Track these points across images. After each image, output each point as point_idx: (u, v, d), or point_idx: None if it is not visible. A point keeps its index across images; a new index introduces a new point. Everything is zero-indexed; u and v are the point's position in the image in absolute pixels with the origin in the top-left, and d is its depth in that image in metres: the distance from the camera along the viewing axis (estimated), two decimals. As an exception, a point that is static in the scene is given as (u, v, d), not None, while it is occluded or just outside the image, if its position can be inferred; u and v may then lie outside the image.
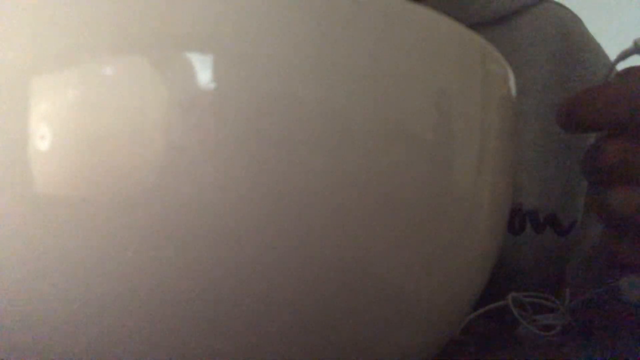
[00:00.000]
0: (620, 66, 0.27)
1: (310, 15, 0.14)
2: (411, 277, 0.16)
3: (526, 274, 0.44)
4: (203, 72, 0.13)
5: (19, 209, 0.13)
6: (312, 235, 0.14)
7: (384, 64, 0.14)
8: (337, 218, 0.14)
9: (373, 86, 0.14)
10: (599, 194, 0.25)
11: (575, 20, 0.49)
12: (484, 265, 0.19)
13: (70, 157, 0.13)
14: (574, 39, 0.47)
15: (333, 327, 0.15)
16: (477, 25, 0.45)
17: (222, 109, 0.13)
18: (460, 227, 0.17)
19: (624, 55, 0.26)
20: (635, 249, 0.25)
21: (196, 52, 0.13)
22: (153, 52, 0.13)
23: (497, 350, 0.29)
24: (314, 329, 0.15)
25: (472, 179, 0.17)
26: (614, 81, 0.26)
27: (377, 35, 0.14)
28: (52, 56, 0.13)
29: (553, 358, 0.27)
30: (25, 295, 0.14)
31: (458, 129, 0.16)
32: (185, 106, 0.13)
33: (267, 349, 0.14)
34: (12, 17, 0.14)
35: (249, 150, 0.13)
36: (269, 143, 0.13)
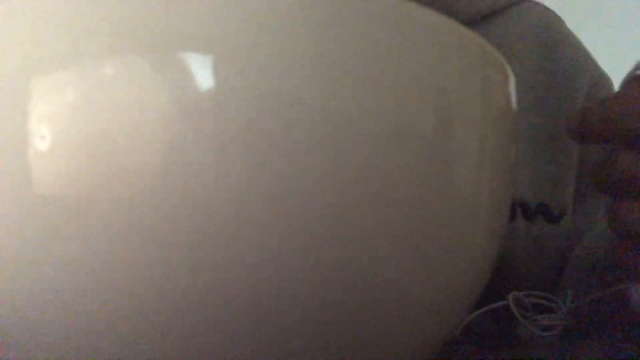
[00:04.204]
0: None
1: (310, 15, 0.14)
2: (411, 277, 0.16)
3: (519, 266, 0.44)
4: (203, 72, 0.13)
5: (19, 209, 0.13)
6: (311, 235, 0.14)
7: (384, 64, 0.14)
8: (336, 218, 0.14)
9: (373, 86, 0.14)
10: (612, 206, 0.25)
11: (557, 18, 0.51)
12: (484, 265, 0.19)
13: (70, 157, 0.13)
14: (555, 35, 0.49)
15: (333, 327, 0.15)
16: (462, 23, 0.45)
17: (222, 109, 0.13)
18: (460, 227, 0.17)
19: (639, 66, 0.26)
20: None
21: (196, 52, 0.13)
22: (153, 52, 0.13)
23: (497, 350, 0.29)
24: (314, 329, 0.15)
25: (472, 179, 0.17)
26: (626, 91, 0.25)
27: (378, 36, 0.14)
28: (52, 56, 0.13)
29: (553, 358, 0.27)
30: (25, 295, 0.14)
31: (458, 129, 0.16)
32: (185, 106, 0.13)
33: (267, 349, 0.14)
34: (13, 18, 0.14)
35: (248, 150, 0.13)
36: (269, 143, 0.13)
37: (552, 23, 0.50)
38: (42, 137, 0.13)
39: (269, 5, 0.13)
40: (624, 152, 0.24)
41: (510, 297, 0.34)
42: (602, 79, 0.49)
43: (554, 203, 0.45)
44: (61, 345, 0.14)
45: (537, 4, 0.51)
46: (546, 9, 0.51)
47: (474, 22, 0.47)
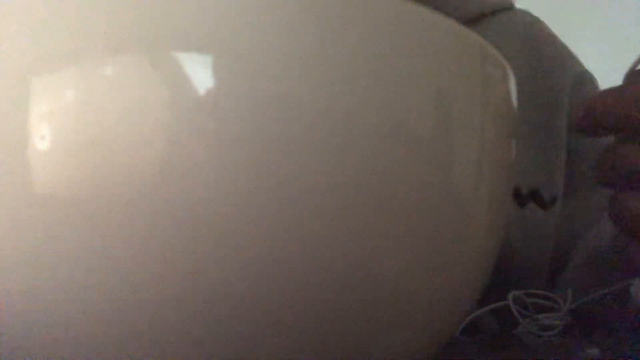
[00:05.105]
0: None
1: (310, 16, 0.14)
2: (411, 277, 0.16)
3: (512, 252, 0.45)
4: (203, 72, 0.13)
5: (19, 209, 0.13)
6: (312, 235, 0.14)
7: (383, 64, 0.14)
8: (336, 218, 0.14)
9: (373, 86, 0.14)
10: (615, 199, 0.25)
11: (542, 23, 0.54)
12: (484, 264, 0.19)
13: (70, 157, 0.13)
14: (540, 37, 0.52)
15: (333, 327, 0.15)
16: None
17: (222, 109, 0.13)
18: (460, 227, 0.17)
19: None
20: None
21: (196, 52, 0.13)
22: (153, 52, 0.13)
23: (497, 350, 0.29)
24: (314, 329, 0.15)
25: (471, 178, 0.17)
26: (631, 83, 0.25)
27: (377, 35, 0.14)
28: (52, 56, 0.13)
29: (553, 358, 0.27)
30: (25, 295, 0.14)
31: (458, 128, 0.16)
32: (185, 106, 0.13)
33: (267, 349, 0.14)
34: (12, 17, 0.14)
35: (249, 150, 0.13)
36: (269, 143, 0.13)
37: (536, 27, 0.53)
38: (42, 137, 0.13)
39: (269, 5, 0.14)
40: (628, 142, 0.24)
41: (510, 296, 0.34)
42: (585, 75, 0.52)
43: (544, 190, 0.46)
44: (61, 345, 0.14)
45: (522, 10, 0.54)
46: (530, 15, 0.54)
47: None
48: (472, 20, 0.51)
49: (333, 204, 0.14)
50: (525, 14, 0.54)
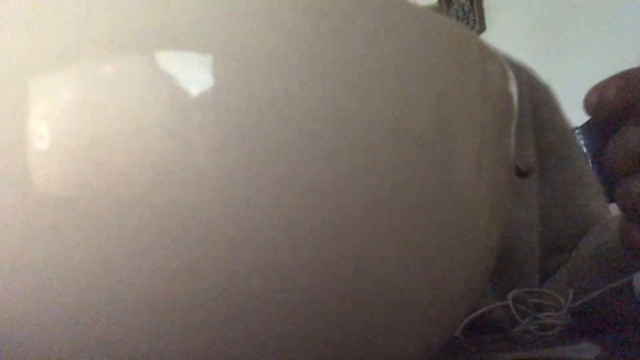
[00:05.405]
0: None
1: (310, 16, 0.14)
2: (411, 276, 0.16)
3: (508, 223, 0.48)
4: (203, 72, 0.13)
5: (19, 209, 0.13)
6: (311, 235, 0.14)
7: (383, 64, 0.14)
8: (337, 217, 0.14)
9: (373, 86, 0.14)
10: (621, 183, 0.25)
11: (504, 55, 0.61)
12: (484, 264, 0.19)
13: (70, 157, 0.13)
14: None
15: (333, 327, 0.15)
16: None
17: (222, 109, 0.13)
18: (460, 227, 0.17)
19: None
20: None
21: (196, 52, 0.13)
22: (153, 52, 0.13)
23: (497, 350, 0.29)
24: (314, 329, 0.15)
25: (471, 178, 0.17)
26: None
27: (377, 36, 0.14)
28: (52, 56, 0.13)
29: (553, 358, 0.27)
30: (25, 295, 0.14)
31: (458, 128, 0.16)
32: (185, 106, 0.13)
33: (267, 349, 0.14)
34: (12, 17, 0.14)
35: (248, 150, 0.13)
36: (269, 143, 0.13)
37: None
38: (41, 137, 0.13)
39: (269, 5, 0.13)
40: (634, 127, 0.24)
41: (510, 296, 0.34)
42: (537, 80, 0.60)
43: (519, 162, 0.52)
44: (60, 345, 0.14)
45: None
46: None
47: None
48: None
49: (332, 203, 0.14)
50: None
